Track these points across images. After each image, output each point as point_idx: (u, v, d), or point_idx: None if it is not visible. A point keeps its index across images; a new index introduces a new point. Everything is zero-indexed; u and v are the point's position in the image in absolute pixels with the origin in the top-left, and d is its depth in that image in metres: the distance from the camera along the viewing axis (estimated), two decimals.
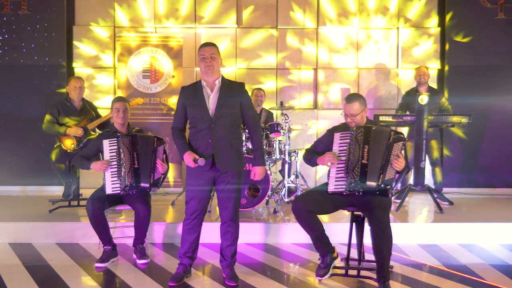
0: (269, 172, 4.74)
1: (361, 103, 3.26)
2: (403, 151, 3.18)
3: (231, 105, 3.17)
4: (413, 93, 5.55)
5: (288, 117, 5.25)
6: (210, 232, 4.01)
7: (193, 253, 3.30)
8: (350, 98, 3.29)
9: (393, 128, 3.35)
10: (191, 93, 3.21)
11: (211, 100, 3.16)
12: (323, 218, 4.35)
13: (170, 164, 4.14)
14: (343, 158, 3.19)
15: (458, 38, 6.44)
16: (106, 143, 3.62)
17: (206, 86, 3.20)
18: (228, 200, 3.20)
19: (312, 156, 3.37)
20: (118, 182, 3.58)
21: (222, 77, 3.25)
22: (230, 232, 3.24)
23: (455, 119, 5.09)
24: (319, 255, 3.29)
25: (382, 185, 3.11)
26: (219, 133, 3.14)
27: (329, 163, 3.21)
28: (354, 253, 3.39)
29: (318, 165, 3.35)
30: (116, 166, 3.59)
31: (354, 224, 3.37)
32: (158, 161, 3.63)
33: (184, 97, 3.23)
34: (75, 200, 4.96)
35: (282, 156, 5.17)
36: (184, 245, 3.27)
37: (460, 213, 4.88)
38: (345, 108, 3.28)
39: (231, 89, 3.21)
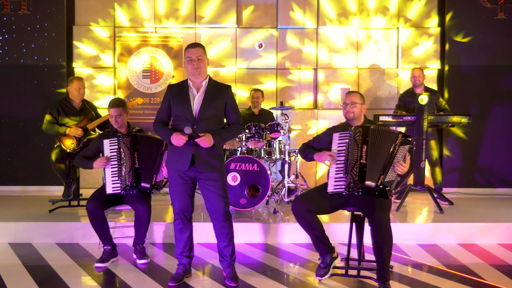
0: (269, 172, 4.74)
1: (362, 97, 3.37)
2: (408, 156, 3.16)
3: (216, 107, 3.18)
4: (409, 94, 5.55)
5: (288, 117, 5.25)
6: (210, 232, 3.98)
7: (189, 251, 3.31)
8: (351, 91, 3.47)
9: (393, 128, 3.35)
10: (177, 91, 3.22)
11: (196, 101, 3.17)
12: (323, 218, 4.36)
13: None
14: (342, 158, 3.19)
15: (458, 38, 6.44)
16: (106, 142, 3.62)
17: (192, 86, 3.21)
18: (216, 202, 3.19)
19: (310, 151, 3.37)
20: (118, 182, 3.58)
21: (209, 78, 3.25)
22: (224, 233, 3.24)
23: (455, 119, 5.09)
24: (319, 255, 3.29)
25: (381, 186, 3.11)
26: (201, 134, 3.11)
27: (326, 162, 3.22)
28: (354, 253, 3.39)
29: (314, 160, 3.36)
30: (116, 165, 3.59)
31: (354, 224, 3.37)
32: (164, 164, 3.63)
33: (170, 95, 3.24)
34: (75, 200, 4.97)
35: (282, 156, 5.18)
36: (179, 245, 3.28)
37: (460, 213, 4.88)
38: (346, 98, 3.34)
39: (217, 91, 3.22)
